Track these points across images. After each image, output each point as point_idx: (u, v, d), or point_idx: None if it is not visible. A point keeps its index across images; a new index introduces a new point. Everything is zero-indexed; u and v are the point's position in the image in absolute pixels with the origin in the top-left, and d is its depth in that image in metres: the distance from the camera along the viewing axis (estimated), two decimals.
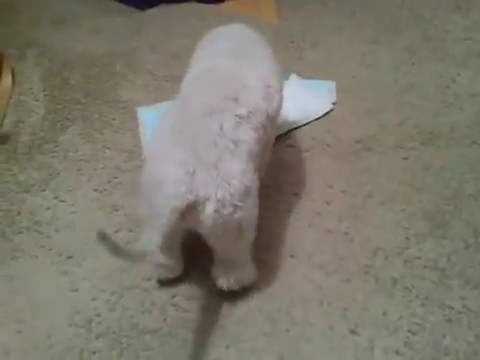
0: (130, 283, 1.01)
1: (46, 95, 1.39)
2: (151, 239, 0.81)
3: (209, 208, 0.85)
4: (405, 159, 1.26)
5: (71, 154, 1.25)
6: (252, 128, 0.91)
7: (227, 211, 0.86)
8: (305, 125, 1.32)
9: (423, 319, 0.95)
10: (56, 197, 1.16)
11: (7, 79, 1.40)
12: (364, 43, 1.57)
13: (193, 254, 1.05)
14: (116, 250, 0.76)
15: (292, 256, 1.06)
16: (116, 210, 1.13)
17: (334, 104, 1.38)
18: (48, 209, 1.14)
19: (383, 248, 1.08)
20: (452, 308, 0.97)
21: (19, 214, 1.12)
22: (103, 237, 0.74)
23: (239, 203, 0.86)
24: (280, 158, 1.26)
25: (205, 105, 0.90)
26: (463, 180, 1.19)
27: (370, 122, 1.34)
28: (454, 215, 1.13)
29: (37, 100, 1.37)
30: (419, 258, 1.06)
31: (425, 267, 1.04)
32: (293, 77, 1.43)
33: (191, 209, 0.85)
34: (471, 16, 1.67)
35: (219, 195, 0.84)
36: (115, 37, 1.57)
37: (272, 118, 1.00)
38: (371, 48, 1.56)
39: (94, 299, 0.98)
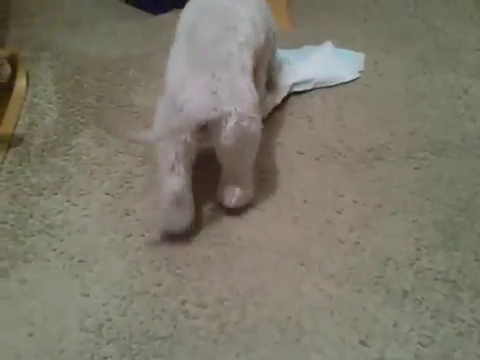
0: (140, 289, 1.00)
1: (59, 98, 1.38)
2: (158, 133, 0.97)
3: (231, 121, 0.98)
4: (416, 169, 1.25)
5: (84, 158, 1.24)
6: (247, 54, 1.06)
7: (245, 123, 0.99)
8: (331, 87, 1.44)
9: (433, 332, 0.94)
10: (68, 200, 1.15)
11: (22, 81, 1.40)
12: (376, 51, 1.57)
13: (203, 261, 1.04)
14: (115, 132, 0.94)
15: (302, 264, 1.06)
16: (128, 214, 1.13)
17: (360, 72, 1.48)
18: (60, 212, 1.13)
19: (394, 259, 1.07)
20: (463, 321, 0.96)
21: (31, 217, 1.12)
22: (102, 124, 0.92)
23: (253, 115, 1.01)
24: (290, 165, 1.25)
25: (212, 34, 1.04)
26: (474, 191, 1.18)
27: (382, 131, 1.33)
28: (465, 226, 1.12)
29: (50, 103, 1.37)
30: (430, 269, 1.05)
31: (436, 279, 1.03)
32: (327, 43, 1.52)
33: (214, 125, 0.98)
34: None
35: (239, 109, 0.98)
36: (129, 41, 1.57)
37: (258, 52, 1.12)
38: (383, 57, 1.55)
39: (105, 304, 0.98)
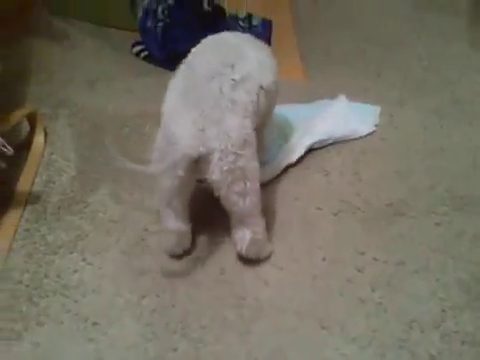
0: (156, 354, 0.98)
1: (77, 155, 1.39)
2: (157, 165, 1.01)
3: (215, 157, 1.01)
4: (437, 225, 1.23)
5: (100, 215, 1.24)
6: (245, 91, 1.06)
7: (230, 158, 1.01)
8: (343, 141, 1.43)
9: None
10: (84, 259, 1.14)
11: (40, 138, 1.41)
12: (391, 105, 1.57)
13: (220, 324, 1.01)
14: (120, 161, 0.96)
15: (323, 327, 1.02)
16: (143, 274, 1.11)
17: (376, 126, 1.47)
18: (75, 272, 1.12)
19: (418, 320, 1.03)
20: None
21: (46, 277, 1.11)
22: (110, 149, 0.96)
23: (239, 151, 1.02)
24: (308, 221, 1.24)
25: (207, 70, 1.06)
26: None
27: (400, 185, 1.32)
28: None
29: (68, 160, 1.38)
30: (457, 332, 1.01)
31: (463, 342, 0.99)
32: (341, 97, 1.52)
33: (203, 160, 1.02)
34: None
35: (222, 146, 1.01)
36: (145, 97, 1.59)
37: (265, 91, 1.13)
38: (398, 110, 1.55)
39: None
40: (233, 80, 1.05)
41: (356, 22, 1.96)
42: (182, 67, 1.13)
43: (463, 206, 1.26)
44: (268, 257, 1.14)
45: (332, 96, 1.58)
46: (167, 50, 1.72)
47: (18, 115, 1.40)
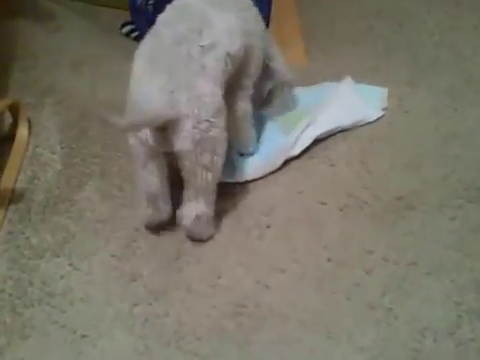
0: None
1: (63, 147, 1.31)
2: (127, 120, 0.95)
3: (188, 124, 0.98)
4: (452, 220, 1.14)
5: (88, 214, 1.16)
6: (215, 58, 1.03)
7: (203, 126, 0.99)
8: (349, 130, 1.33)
9: None
10: (71, 264, 1.07)
11: (23, 130, 1.33)
12: (400, 86, 1.47)
13: (217, 334, 0.95)
14: (111, 123, 0.93)
15: (329, 337, 0.95)
16: (134, 280, 1.04)
17: (385, 109, 1.38)
18: (62, 278, 1.05)
19: (432, 328, 0.96)
20: None
21: (31, 284, 1.04)
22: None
23: (213, 119, 1.00)
24: (312, 217, 1.16)
25: (174, 35, 1.03)
26: None
27: (411, 176, 1.23)
28: None
29: (54, 153, 1.30)
30: (473, 340, 0.94)
31: None
32: (346, 79, 1.41)
33: (172, 127, 0.99)
34: None
35: (196, 111, 0.98)
36: None
37: (233, 57, 1.09)
38: (408, 91, 1.45)
39: None
40: (201, 46, 1.03)
41: None
42: (147, 36, 1.08)
43: (479, 198, 1.17)
44: (209, 238, 1.10)
45: (337, 78, 1.49)
46: None
47: None
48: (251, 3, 1.23)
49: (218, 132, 1.02)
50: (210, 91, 1.01)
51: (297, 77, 1.46)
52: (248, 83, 1.19)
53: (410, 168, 1.25)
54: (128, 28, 1.69)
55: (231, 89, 1.14)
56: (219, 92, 1.03)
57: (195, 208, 1.07)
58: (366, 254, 1.08)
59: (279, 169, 1.25)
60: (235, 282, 1.04)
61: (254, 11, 1.23)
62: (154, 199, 1.08)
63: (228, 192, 1.20)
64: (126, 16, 1.68)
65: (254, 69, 1.20)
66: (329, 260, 1.07)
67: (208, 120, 1.00)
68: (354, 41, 1.65)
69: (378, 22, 1.71)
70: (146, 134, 1.01)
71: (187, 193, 1.07)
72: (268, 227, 1.14)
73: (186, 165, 1.02)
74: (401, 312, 0.99)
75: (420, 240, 1.11)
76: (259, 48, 1.20)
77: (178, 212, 1.09)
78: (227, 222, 1.15)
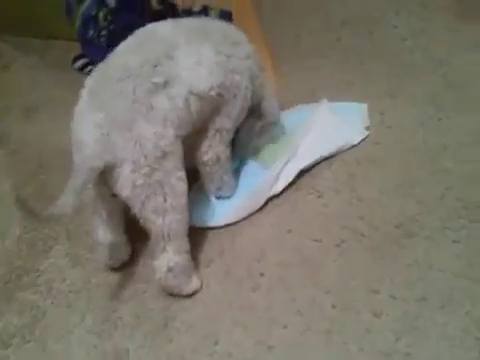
0: None
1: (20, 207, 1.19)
2: (67, 200, 0.86)
3: (126, 169, 0.90)
4: (455, 243, 1.07)
5: (57, 285, 1.05)
6: (168, 97, 0.93)
7: (144, 171, 0.90)
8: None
9: None
10: (44, 349, 0.95)
11: None
12: (379, 99, 1.40)
13: None
14: (32, 214, 0.83)
15: None
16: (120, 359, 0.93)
17: (368, 128, 1.30)
18: None
19: None
20: None
21: None
22: (21, 202, 0.84)
23: (155, 165, 0.91)
24: (307, 258, 1.07)
25: (122, 68, 0.94)
26: None
27: (405, 199, 1.16)
28: None
29: (10, 215, 1.17)
30: None
31: None
32: (322, 101, 1.32)
33: (110, 170, 0.90)
34: None
35: (134, 157, 0.89)
36: None
37: (201, 97, 0.99)
38: (388, 104, 1.39)
39: None
40: (153, 83, 0.92)
41: (326, 5, 1.76)
42: (98, 66, 1.00)
43: None
44: (194, 293, 1.01)
45: (310, 94, 1.42)
46: None
47: None
48: (246, 40, 1.12)
49: (164, 175, 0.93)
50: (153, 134, 0.91)
51: None
52: (227, 125, 1.08)
53: (403, 190, 1.18)
54: (81, 62, 1.58)
55: (205, 130, 1.05)
56: (169, 134, 0.93)
57: (166, 259, 0.97)
58: (372, 294, 1.00)
59: (263, 206, 1.17)
60: (234, 346, 0.94)
61: (247, 49, 1.11)
62: (109, 246, 1.02)
63: (211, 239, 1.11)
64: (77, 48, 1.57)
65: (237, 111, 1.08)
66: (334, 307, 0.99)
67: (149, 166, 0.91)
68: (323, 54, 1.58)
69: (346, 32, 1.65)
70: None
71: (152, 243, 0.98)
72: (262, 275, 1.05)
73: (134, 211, 0.94)
74: (420, 356, 0.91)
75: (426, 270, 1.03)
76: (246, 89, 1.08)
77: (151, 264, 1.00)
78: (215, 274, 1.06)
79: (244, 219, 1.15)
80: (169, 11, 1.63)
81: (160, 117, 0.92)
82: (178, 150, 0.95)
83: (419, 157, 1.25)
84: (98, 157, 0.88)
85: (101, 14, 1.50)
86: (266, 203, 1.17)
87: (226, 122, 1.07)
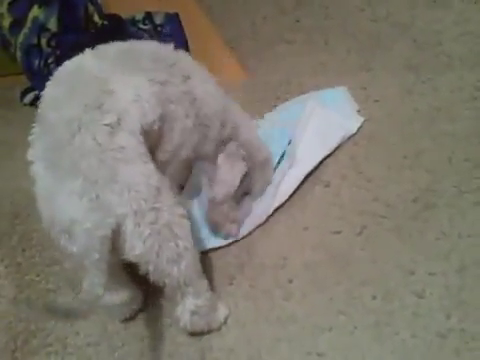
0: None
1: (7, 266, 1.10)
2: (94, 282, 0.79)
3: (130, 225, 0.80)
4: (476, 204, 1.07)
5: (72, 340, 0.96)
6: (128, 133, 0.84)
7: (148, 219, 0.81)
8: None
9: None
10: None
11: None
12: (357, 74, 1.39)
13: None
14: (69, 314, 0.83)
15: None
16: None
17: (359, 112, 1.27)
18: None
19: None
20: None
21: None
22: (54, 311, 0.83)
23: (157, 205, 0.82)
24: (330, 253, 1.04)
25: (67, 121, 0.82)
26: None
27: (414, 171, 1.15)
28: None
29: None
30: None
31: None
32: (311, 96, 1.27)
33: (117, 234, 0.80)
34: (453, 8, 1.52)
35: (134, 206, 0.80)
36: None
37: (147, 132, 0.89)
38: (367, 77, 1.38)
39: None
40: (108, 124, 0.82)
41: None
42: (34, 128, 0.87)
43: None
44: (220, 326, 0.95)
45: (286, 84, 1.39)
46: None
47: None
48: (183, 56, 1.03)
49: (169, 215, 0.84)
50: (139, 174, 0.82)
51: (243, 94, 1.35)
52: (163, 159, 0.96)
53: (409, 162, 1.16)
54: (31, 96, 1.49)
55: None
56: (152, 169, 0.84)
57: (187, 305, 0.91)
58: (409, 276, 0.98)
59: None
60: None
61: (185, 67, 1.00)
62: (119, 305, 0.96)
63: (226, 255, 1.06)
64: (23, 82, 1.48)
65: (175, 144, 0.97)
66: (374, 298, 0.96)
67: (152, 208, 0.82)
68: (286, 39, 1.55)
69: (303, 12, 1.62)
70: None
71: (169, 293, 0.90)
72: (290, 281, 1.00)
73: (150, 270, 0.84)
74: (475, 329, 0.89)
75: (456, 239, 1.02)
76: (187, 117, 0.98)
77: (172, 315, 0.93)
78: (240, 290, 1.01)
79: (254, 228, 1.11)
80: (114, 24, 1.57)
81: (135, 155, 0.83)
82: (165, 182, 0.87)
83: (415, 125, 1.24)
84: (101, 225, 0.78)
85: (43, 41, 1.41)
86: (269, 215, 1.12)
87: (163, 156, 0.96)
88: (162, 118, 0.92)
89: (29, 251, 1.12)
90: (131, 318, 0.99)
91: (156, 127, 0.91)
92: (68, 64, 0.92)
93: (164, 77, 0.94)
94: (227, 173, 1.04)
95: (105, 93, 0.85)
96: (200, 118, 1.00)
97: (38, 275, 1.08)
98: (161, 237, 0.83)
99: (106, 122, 0.82)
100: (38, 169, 0.83)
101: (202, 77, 1.03)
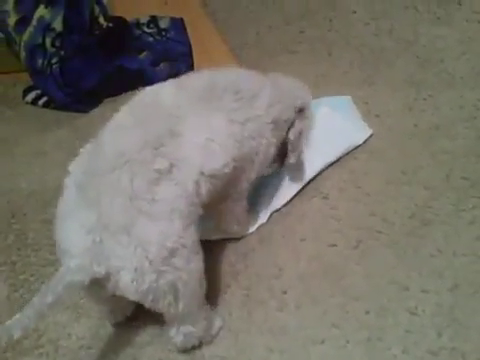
0: None
1: (1, 265, 1.10)
2: (20, 322, 0.73)
3: (125, 278, 0.76)
4: (471, 224, 1.08)
5: (64, 343, 0.96)
6: (175, 184, 0.80)
7: (149, 278, 0.77)
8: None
9: None
10: None
11: None
12: (359, 88, 1.40)
13: None
14: None
15: None
16: None
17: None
18: None
19: None
20: None
21: None
22: None
23: (163, 268, 0.78)
24: (324, 266, 1.04)
25: (116, 153, 0.79)
26: None
27: (412, 187, 1.16)
28: None
29: None
30: None
31: None
32: (323, 101, 1.26)
33: (106, 280, 0.77)
34: (457, 26, 1.54)
35: (135, 264, 0.76)
36: (64, 156, 1.29)
37: (214, 176, 0.86)
38: (369, 91, 1.39)
39: None
40: (156, 170, 0.79)
41: None
42: (87, 146, 0.86)
43: None
44: (213, 338, 0.95)
45: None
46: (71, 89, 1.45)
47: None
48: (264, 84, 0.99)
49: (175, 275, 0.80)
50: (159, 233, 0.77)
51: None
52: (244, 187, 0.99)
53: (408, 178, 1.18)
54: (33, 94, 1.50)
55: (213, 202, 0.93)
56: (177, 228, 0.79)
57: (181, 330, 0.89)
58: (403, 291, 0.99)
59: (268, 217, 1.14)
60: None
61: (266, 96, 0.97)
62: (110, 311, 0.97)
63: (222, 262, 1.07)
64: (26, 81, 1.48)
65: (256, 172, 1.00)
66: (367, 312, 0.97)
67: (156, 270, 0.77)
68: (289, 49, 1.57)
69: (306, 23, 1.64)
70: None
71: (165, 318, 0.89)
72: (284, 293, 1.01)
73: (145, 305, 0.83)
74: (465, 348, 0.90)
75: (449, 257, 1.03)
76: (268, 144, 0.98)
77: (167, 332, 0.92)
78: (235, 299, 1.01)
79: (251, 233, 1.11)
80: (118, 26, 1.58)
81: (165, 210, 0.78)
82: (190, 239, 0.82)
83: (415, 141, 1.25)
84: (84, 271, 0.75)
85: (48, 41, 1.42)
86: (271, 214, 1.14)
87: (245, 186, 0.98)
88: (240, 158, 0.91)
89: (24, 250, 1.13)
90: (123, 323, 0.99)
91: (228, 169, 0.88)
92: (148, 92, 0.90)
93: (245, 115, 0.92)
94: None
95: (170, 134, 0.82)
96: (279, 125, 1.02)
97: (32, 275, 1.08)
98: (158, 292, 0.79)
99: (156, 167, 0.78)
100: (70, 184, 0.81)
101: (279, 97, 1.01)
